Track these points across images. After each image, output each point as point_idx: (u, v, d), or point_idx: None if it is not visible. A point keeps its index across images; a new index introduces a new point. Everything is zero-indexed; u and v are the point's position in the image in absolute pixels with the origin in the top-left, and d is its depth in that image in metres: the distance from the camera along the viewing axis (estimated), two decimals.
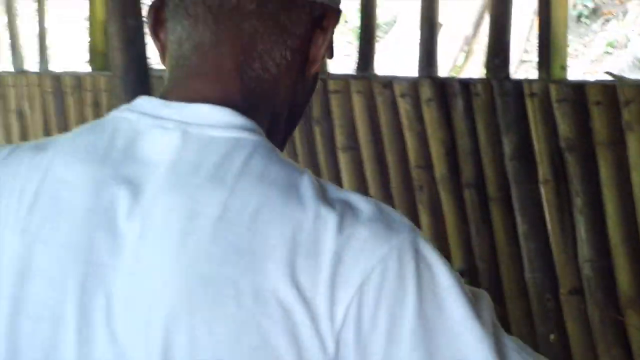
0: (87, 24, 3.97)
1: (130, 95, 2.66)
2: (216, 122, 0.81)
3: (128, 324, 0.76)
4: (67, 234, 0.80)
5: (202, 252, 0.76)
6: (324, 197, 0.76)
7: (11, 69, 4.10)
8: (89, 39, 3.90)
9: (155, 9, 0.87)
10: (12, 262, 0.81)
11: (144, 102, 0.83)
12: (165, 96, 0.83)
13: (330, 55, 0.86)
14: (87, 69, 3.84)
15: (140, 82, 2.66)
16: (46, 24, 4.07)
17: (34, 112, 3.88)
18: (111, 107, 3.31)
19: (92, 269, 0.79)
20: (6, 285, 0.81)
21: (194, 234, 0.76)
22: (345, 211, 0.74)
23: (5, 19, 4.14)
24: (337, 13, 0.86)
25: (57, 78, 3.99)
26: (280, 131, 0.85)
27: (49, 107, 3.97)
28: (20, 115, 3.89)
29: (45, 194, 0.82)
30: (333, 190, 0.78)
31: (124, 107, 0.84)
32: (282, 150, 0.81)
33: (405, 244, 0.72)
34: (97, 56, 3.77)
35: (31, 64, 4.25)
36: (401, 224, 0.74)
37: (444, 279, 0.70)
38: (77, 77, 3.87)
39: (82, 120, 3.83)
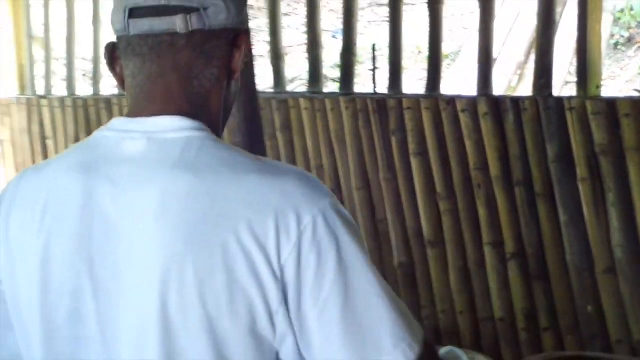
0: None
1: (242, 111, 2.71)
2: (171, 127, 0.93)
3: (133, 282, 0.90)
4: (72, 227, 0.93)
5: (179, 221, 0.89)
6: (265, 169, 0.91)
7: None
8: None
9: (109, 50, 1.00)
10: (35, 256, 0.94)
11: (116, 122, 0.98)
12: (131, 115, 0.96)
13: (249, 59, 1.02)
14: None
15: (250, 101, 2.76)
16: None
17: None
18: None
19: (96, 248, 0.91)
20: (34, 273, 0.94)
21: (170, 208, 0.89)
22: (282, 177, 0.90)
23: None
24: (247, 33, 1.02)
25: None
26: (219, 125, 1.00)
27: None
28: None
29: (53, 200, 0.95)
30: (271, 163, 0.97)
31: (103, 127, 0.99)
32: (220, 137, 0.98)
33: (328, 206, 0.89)
34: None
35: None
36: (323, 189, 0.92)
37: (352, 233, 0.89)
38: None
39: None
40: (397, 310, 0.89)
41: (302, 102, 3.43)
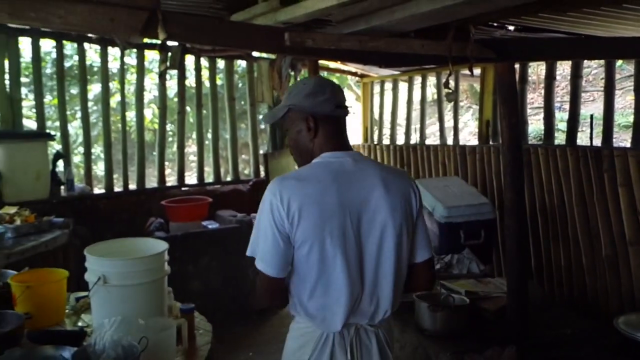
0: (476, 121, 4.51)
1: (511, 154, 2.80)
2: (358, 154, 1.51)
3: (373, 209, 1.44)
4: (334, 189, 1.41)
5: (394, 188, 1.47)
6: (396, 169, 1.63)
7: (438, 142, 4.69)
8: (478, 128, 4.42)
9: (313, 117, 1.48)
10: (321, 205, 1.40)
11: (327, 154, 1.48)
12: (334, 150, 1.48)
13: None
14: (475, 142, 4.33)
15: (517, 149, 2.88)
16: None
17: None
18: (493, 162, 4.15)
19: (346, 194, 1.41)
20: (321, 212, 1.40)
21: (388, 182, 1.46)
22: (406, 174, 1.59)
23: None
24: None
25: (462, 147, 4.38)
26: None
27: (453, 166, 4.43)
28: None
29: (321, 181, 1.43)
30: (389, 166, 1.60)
31: (322, 156, 1.48)
32: None
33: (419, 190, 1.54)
34: (483, 136, 4.35)
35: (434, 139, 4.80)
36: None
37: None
38: (473, 147, 4.29)
39: (465, 170, 4.36)
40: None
41: (539, 150, 3.82)
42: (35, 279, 2.05)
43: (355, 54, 2.64)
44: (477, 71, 4.59)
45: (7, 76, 3.88)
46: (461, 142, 4.69)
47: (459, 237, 2.88)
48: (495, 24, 3.10)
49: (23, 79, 4.11)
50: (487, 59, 2.76)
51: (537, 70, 8.27)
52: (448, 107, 5.57)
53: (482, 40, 2.87)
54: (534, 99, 8.53)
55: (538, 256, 3.91)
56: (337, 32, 2.63)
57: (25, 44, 4.04)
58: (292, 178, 1.44)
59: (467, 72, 4.54)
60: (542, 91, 4.29)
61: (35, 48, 4.07)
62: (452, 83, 4.21)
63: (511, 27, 3.43)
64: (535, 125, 6.75)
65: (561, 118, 5.52)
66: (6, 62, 3.88)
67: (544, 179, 3.82)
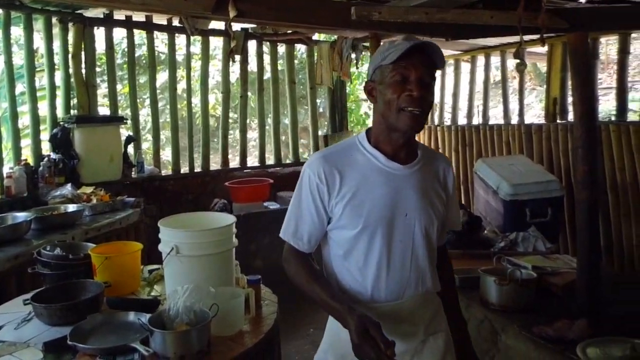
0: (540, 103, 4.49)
1: (583, 129, 2.30)
2: None
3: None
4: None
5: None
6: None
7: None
8: (545, 106, 4.19)
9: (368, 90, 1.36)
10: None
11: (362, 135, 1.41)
12: None
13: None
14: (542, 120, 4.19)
15: (591, 119, 2.67)
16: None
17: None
18: (561, 140, 3.92)
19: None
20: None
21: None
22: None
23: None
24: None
25: (527, 126, 4.19)
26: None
27: (518, 145, 4.27)
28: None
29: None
30: None
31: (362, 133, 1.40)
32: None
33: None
34: (550, 114, 4.09)
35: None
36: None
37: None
38: (539, 126, 4.12)
39: (531, 149, 4.25)
40: None
41: (611, 127, 3.71)
42: (113, 250, 2.16)
43: (422, 27, 2.58)
44: (544, 48, 4.39)
45: (83, 65, 4.08)
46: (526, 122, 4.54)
47: (524, 215, 2.79)
48: None
49: (97, 68, 4.30)
50: (559, 29, 2.63)
51: (606, 49, 7.85)
52: (511, 89, 5.34)
53: (554, 9, 2.74)
54: (603, 79, 8.09)
55: (608, 235, 3.77)
56: (404, 5, 2.57)
57: (98, 34, 4.21)
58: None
59: (533, 49, 4.47)
60: (611, 72, 4.11)
61: (109, 38, 4.25)
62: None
63: None
64: (604, 105, 6.48)
65: (632, 98, 5.28)
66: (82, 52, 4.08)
67: (616, 156, 3.70)
